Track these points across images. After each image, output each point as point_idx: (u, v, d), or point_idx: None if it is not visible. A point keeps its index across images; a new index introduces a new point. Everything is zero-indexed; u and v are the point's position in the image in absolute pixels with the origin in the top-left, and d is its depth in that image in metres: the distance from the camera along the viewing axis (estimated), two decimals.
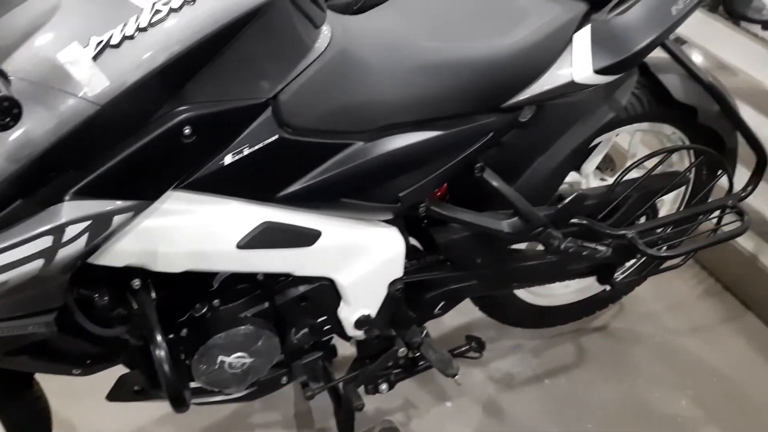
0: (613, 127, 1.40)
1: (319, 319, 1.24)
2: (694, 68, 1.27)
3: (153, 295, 1.07)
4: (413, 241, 1.35)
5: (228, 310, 1.17)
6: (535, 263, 1.41)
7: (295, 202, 1.06)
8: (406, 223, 1.27)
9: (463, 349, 1.44)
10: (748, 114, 1.77)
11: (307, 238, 1.10)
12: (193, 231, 1.00)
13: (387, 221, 1.21)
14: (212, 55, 0.89)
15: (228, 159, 0.96)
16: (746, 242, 1.92)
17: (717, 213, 1.46)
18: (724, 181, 1.53)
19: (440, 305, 1.35)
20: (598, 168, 1.64)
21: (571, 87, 1.12)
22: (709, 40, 1.86)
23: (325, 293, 1.20)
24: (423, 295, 1.33)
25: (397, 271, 1.23)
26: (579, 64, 1.10)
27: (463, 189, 1.34)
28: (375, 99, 1.05)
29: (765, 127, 1.76)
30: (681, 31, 1.90)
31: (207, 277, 1.16)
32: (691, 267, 2.06)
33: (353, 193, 1.09)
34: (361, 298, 1.23)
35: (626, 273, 1.67)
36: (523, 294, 1.66)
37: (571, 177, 1.53)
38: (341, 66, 1.01)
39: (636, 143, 1.55)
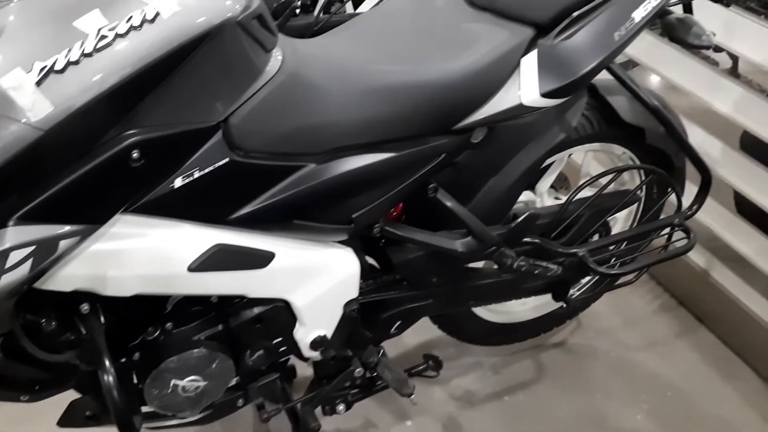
0: (565, 148, 1.44)
1: (275, 341, 1.24)
2: (639, 91, 1.31)
3: (102, 319, 1.06)
4: (372, 261, 1.36)
5: (181, 333, 1.16)
6: (491, 281, 1.42)
7: (248, 224, 1.07)
8: (363, 243, 1.28)
9: (420, 368, 1.45)
10: (697, 134, 1.84)
11: (260, 259, 1.10)
12: (143, 254, 0.99)
13: (342, 242, 1.22)
14: (160, 79, 0.89)
15: (178, 182, 0.96)
16: (697, 258, 1.97)
17: (667, 230, 1.49)
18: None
19: (396, 324, 1.36)
20: (552, 187, 1.68)
21: (519, 110, 1.15)
22: (660, 62, 1.92)
23: (279, 315, 1.20)
24: (379, 314, 1.33)
25: (352, 291, 1.24)
26: (526, 87, 1.13)
27: (419, 209, 1.36)
28: (326, 121, 1.06)
29: (713, 146, 1.82)
30: (634, 53, 1.98)
31: (160, 299, 1.16)
32: (647, 282, 2.11)
33: (306, 215, 1.10)
34: (317, 319, 1.23)
35: (581, 290, 1.70)
36: (481, 312, 1.68)
37: (526, 196, 1.56)
38: (292, 89, 1.02)
39: (588, 162, 1.59)
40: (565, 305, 1.54)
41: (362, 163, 1.09)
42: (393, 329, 1.36)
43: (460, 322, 1.66)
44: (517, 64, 1.14)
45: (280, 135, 1.02)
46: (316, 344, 1.25)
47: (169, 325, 1.14)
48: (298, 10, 2.12)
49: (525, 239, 1.34)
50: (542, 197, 1.57)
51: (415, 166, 1.15)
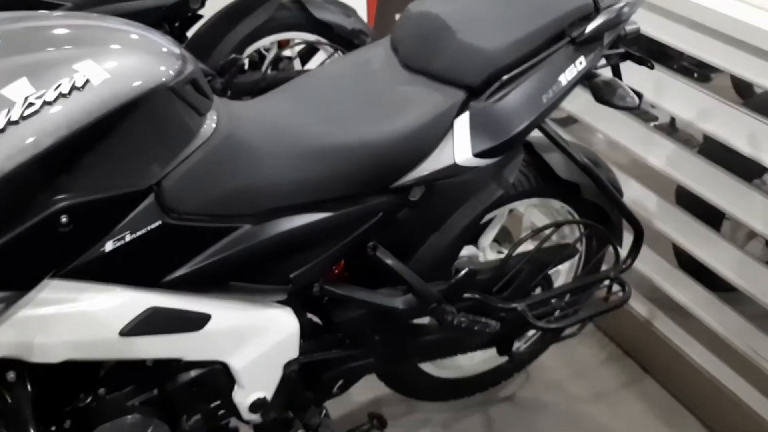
0: (503, 203, 1.47)
1: (213, 404, 1.21)
2: (570, 149, 1.36)
3: (29, 387, 1.02)
4: (316, 318, 1.36)
5: (114, 399, 1.13)
6: (434, 338, 1.43)
7: (182, 287, 1.06)
8: (305, 301, 1.28)
9: (364, 427, 1.43)
10: (634, 188, 1.90)
11: (195, 322, 1.09)
12: (72, 320, 0.97)
13: (282, 301, 1.21)
14: (90, 145, 0.89)
15: (109, 246, 0.95)
16: (640, 308, 2.01)
17: (606, 283, 1.53)
18: None
19: (339, 384, 1.35)
20: (496, 240, 1.70)
21: (454, 169, 1.18)
22: (598, 119, 1.99)
23: (217, 377, 1.18)
24: (321, 374, 1.32)
25: (292, 351, 1.23)
26: (459, 147, 1.17)
27: (361, 266, 1.37)
28: (262, 183, 1.07)
29: (651, 200, 1.89)
30: (573, 109, 2.05)
31: (92, 365, 1.13)
32: (594, 333, 2.13)
33: (242, 276, 1.09)
34: (256, 381, 1.21)
35: (527, 343, 1.72)
36: (428, 367, 1.68)
37: (469, 250, 1.58)
38: (227, 151, 1.03)
39: (529, 217, 1.63)
40: (509, 359, 1.55)
41: (299, 224, 1.10)
42: (335, 389, 1.35)
43: (407, 378, 1.65)
44: (451, 125, 1.17)
45: (215, 197, 1.03)
46: (255, 407, 1.23)
47: (101, 390, 1.11)
48: (245, 67, 2.17)
49: (465, 295, 1.35)
50: (485, 251, 1.60)
51: (352, 225, 1.16)
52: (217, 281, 1.08)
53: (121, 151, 0.93)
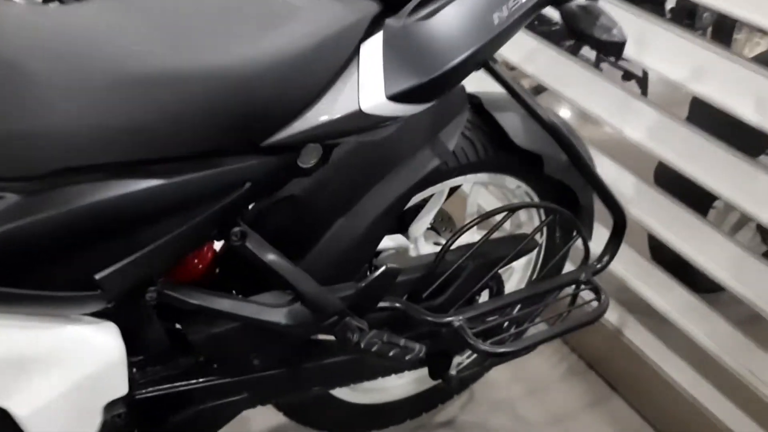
0: (440, 179, 1.09)
1: None
2: (533, 104, 0.98)
3: None
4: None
5: None
6: (341, 360, 1.04)
7: None
8: (143, 312, 0.88)
9: None
10: (607, 167, 1.54)
11: None
12: None
13: (100, 314, 0.81)
14: None
15: None
16: (608, 313, 1.64)
17: (569, 290, 1.16)
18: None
19: (199, 429, 0.95)
20: (433, 229, 1.32)
21: (359, 120, 0.78)
22: (570, 86, 1.61)
23: None
24: (172, 415, 0.92)
25: (117, 387, 0.83)
26: (367, 86, 0.77)
27: (239, 263, 0.98)
28: (43, 129, 0.66)
29: (622, 180, 1.53)
30: (540, 76, 1.67)
31: None
32: (552, 343, 1.78)
33: (9, 277, 0.68)
34: None
35: (469, 359, 1.34)
36: (340, 392, 1.29)
37: (396, 241, 1.20)
38: None
39: (474, 200, 1.25)
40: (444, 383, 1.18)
41: (106, 195, 0.69)
42: None
43: (312, 406, 1.26)
44: (355, 52, 0.78)
45: None
46: None
47: None
48: None
49: (382, 304, 0.96)
50: (417, 243, 1.21)
51: (199, 201, 0.75)
52: None
53: None
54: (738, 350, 1.40)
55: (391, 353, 0.89)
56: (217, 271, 0.99)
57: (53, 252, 0.69)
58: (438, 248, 1.23)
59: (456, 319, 0.99)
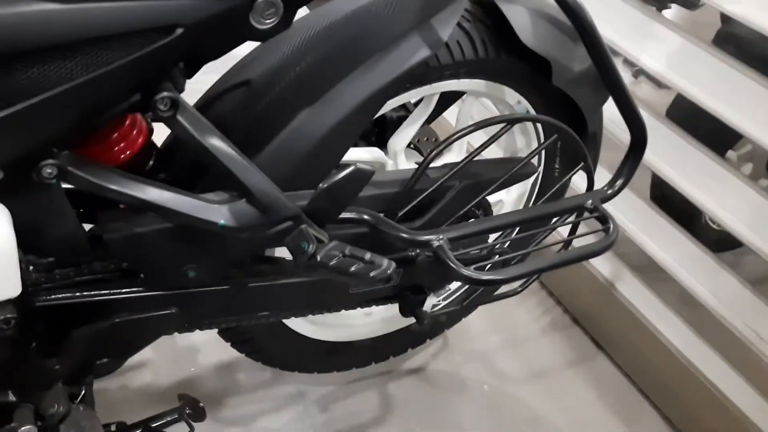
0: (430, 78, 0.92)
1: None
2: None
3: None
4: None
5: None
6: (298, 281, 0.87)
7: None
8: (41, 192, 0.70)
9: (168, 418, 0.87)
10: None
11: None
12: None
13: None
14: None
15: None
16: (599, 263, 1.51)
17: (571, 219, 0.99)
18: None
19: (111, 349, 0.78)
20: (416, 148, 1.16)
21: None
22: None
23: None
24: (76, 330, 0.75)
25: (5, 285, 0.65)
26: None
27: (180, 150, 0.81)
28: None
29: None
30: None
31: None
32: (536, 292, 1.64)
33: None
34: None
35: (445, 300, 1.18)
36: (299, 324, 1.13)
37: (373, 154, 1.02)
38: None
39: (467, 113, 1.07)
40: (416, 321, 1.02)
41: None
42: (104, 357, 0.78)
43: (265, 337, 1.10)
44: None
45: None
46: None
47: None
48: None
49: (346, 214, 0.79)
50: (397, 158, 1.04)
51: (111, 43, 0.57)
52: None
53: None
54: (744, 310, 1.26)
55: (353, 269, 0.72)
56: (151, 164, 0.81)
57: None
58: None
59: (436, 238, 0.82)
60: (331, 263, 0.72)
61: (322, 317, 1.17)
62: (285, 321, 1.08)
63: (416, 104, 1.04)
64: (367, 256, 0.73)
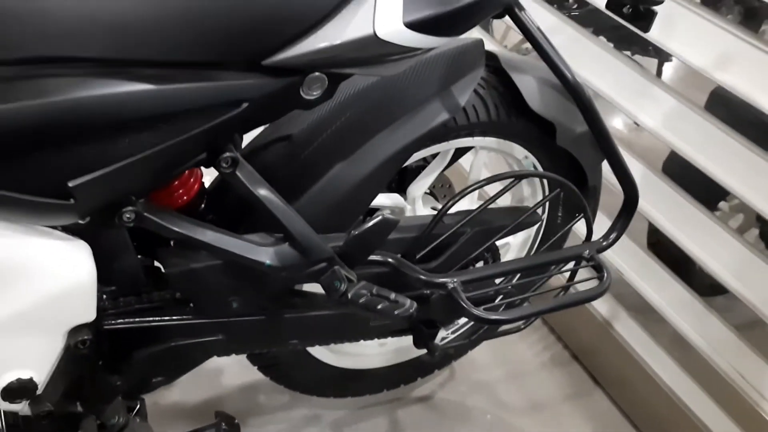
0: (448, 136, 1.03)
1: None
2: (557, 59, 0.92)
3: None
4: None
5: None
6: (325, 314, 0.98)
7: None
8: (117, 234, 0.82)
9: None
10: None
11: None
12: None
13: (69, 229, 0.75)
14: None
15: None
16: (600, 305, 1.61)
17: (570, 266, 1.10)
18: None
19: (166, 368, 0.89)
20: (432, 194, 1.27)
21: (372, 46, 0.72)
22: (578, 61, 1.55)
23: None
24: (137, 350, 0.86)
25: (83, 311, 0.77)
26: (384, 10, 0.70)
27: (227, 197, 0.92)
28: (21, 8, 0.59)
29: (632, 166, 1.47)
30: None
31: None
32: (538, 329, 1.74)
33: None
34: (13, 352, 0.75)
35: (454, 334, 1.29)
36: (320, 352, 1.24)
37: (393, 200, 1.14)
38: None
39: (479, 165, 1.19)
40: (428, 352, 1.12)
41: (86, 93, 0.63)
42: (159, 375, 0.89)
43: (289, 364, 1.20)
44: None
45: None
46: (13, 393, 0.76)
47: None
48: None
49: (373, 257, 0.91)
50: (415, 204, 1.16)
51: (190, 116, 0.69)
52: None
53: None
54: (731, 353, 1.36)
55: (379, 306, 0.83)
56: (203, 206, 0.93)
57: (26, 148, 0.63)
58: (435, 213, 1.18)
59: (451, 281, 0.93)
60: (361, 301, 0.83)
61: (341, 346, 1.27)
62: (308, 348, 1.19)
63: (433, 156, 1.15)
64: (392, 296, 0.84)
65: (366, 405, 1.44)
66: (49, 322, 0.75)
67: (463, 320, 1.34)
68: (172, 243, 0.90)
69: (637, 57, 2.25)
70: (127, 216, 0.74)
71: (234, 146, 0.78)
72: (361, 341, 1.14)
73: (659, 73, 2.11)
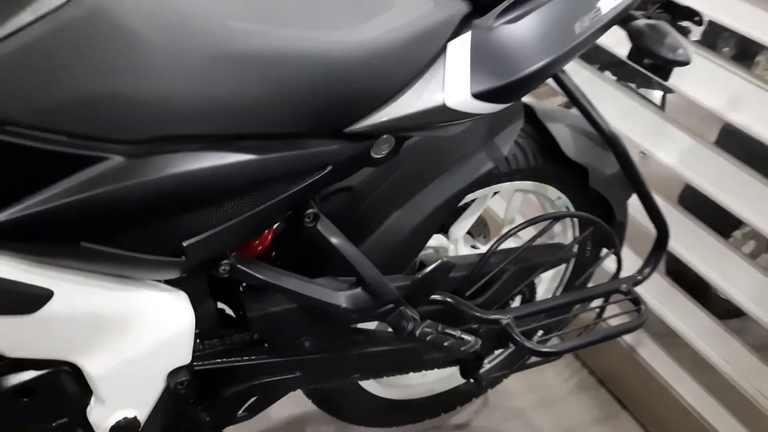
0: (491, 182, 1.13)
1: (57, 422, 0.82)
2: (595, 114, 1.02)
3: None
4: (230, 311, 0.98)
5: None
6: (385, 349, 1.07)
7: (7, 243, 0.67)
8: (207, 285, 0.90)
9: None
10: None
11: (27, 300, 0.70)
12: None
13: (171, 282, 0.83)
14: None
15: None
16: None
17: (601, 301, 1.19)
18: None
19: (249, 403, 0.97)
20: (469, 233, 1.36)
21: (441, 114, 0.81)
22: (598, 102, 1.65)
23: (62, 385, 0.79)
24: (224, 389, 0.95)
25: (182, 355, 0.85)
26: (453, 83, 0.80)
27: (296, 244, 1.00)
28: (148, 94, 0.68)
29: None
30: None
31: None
32: (565, 356, 1.81)
33: (103, 236, 0.71)
34: (122, 394, 0.83)
35: (493, 364, 1.37)
36: (369, 385, 1.31)
37: (437, 240, 1.23)
38: (92, 32, 0.64)
39: (515, 207, 1.28)
40: (475, 382, 1.20)
41: (200, 166, 0.72)
42: (243, 410, 0.97)
43: (342, 396, 1.28)
44: (443, 49, 0.81)
45: (65, 103, 0.64)
46: (119, 430, 0.84)
47: None
48: None
49: (434, 297, 0.99)
50: (457, 244, 1.25)
51: (284, 180, 0.78)
52: (63, 239, 0.69)
53: None
54: (754, 374, 1.44)
55: (446, 344, 0.92)
56: (273, 254, 1.02)
57: (148, 215, 0.72)
58: (474, 251, 1.27)
59: (504, 317, 1.02)
60: (428, 338, 0.92)
61: (388, 378, 1.35)
62: (360, 382, 1.27)
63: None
64: (458, 333, 0.93)
65: None
66: (155, 365, 0.83)
67: (498, 351, 1.42)
68: (241, 288, 0.99)
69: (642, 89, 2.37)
70: (223, 268, 0.83)
71: (315, 203, 0.87)
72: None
73: (663, 105, 2.21)
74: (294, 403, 1.32)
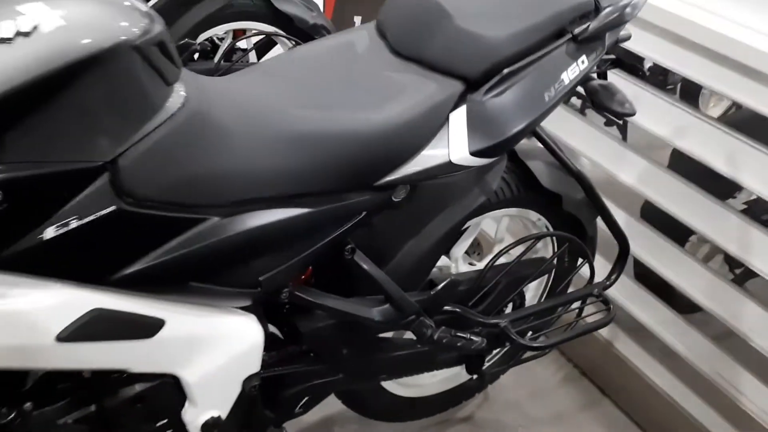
0: (484, 211, 1.38)
1: (159, 423, 1.05)
2: (564, 156, 1.28)
3: None
4: (272, 329, 1.21)
5: (43, 415, 0.95)
6: (405, 353, 1.31)
7: (134, 286, 0.90)
8: (269, 309, 1.14)
9: None
10: None
11: (147, 327, 0.93)
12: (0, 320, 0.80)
13: (243, 308, 1.07)
14: (36, 105, 0.74)
15: (50, 233, 0.79)
16: (602, 329, 1.95)
17: (578, 302, 1.45)
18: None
19: (303, 402, 1.21)
20: (466, 252, 1.61)
21: (447, 168, 1.07)
22: (568, 134, 1.92)
23: (166, 393, 1.02)
24: (283, 391, 1.18)
25: (254, 365, 1.08)
26: (455, 144, 1.06)
27: (329, 272, 1.24)
28: (234, 169, 0.92)
29: (618, 215, 1.83)
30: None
31: (18, 374, 0.95)
32: (552, 353, 2.06)
33: (205, 276, 0.94)
34: (211, 398, 1.06)
35: (493, 361, 1.62)
36: (388, 385, 1.55)
37: (442, 261, 1.47)
38: (196, 130, 0.88)
39: (503, 228, 1.54)
40: (476, 377, 1.45)
41: (272, 219, 0.96)
42: (298, 408, 1.21)
43: (366, 396, 1.52)
44: (446, 119, 1.07)
45: (179, 182, 0.88)
46: (208, 427, 1.07)
47: (28, 405, 0.93)
48: (196, 55, 1.99)
49: (445, 307, 1.24)
50: (457, 263, 1.49)
51: (332, 225, 1.03)
52: (175, 281, 0.92)
53: (71, 117, 0.77)
54: (713, 360, 1.69)
55: (459, 344, 1.16)
56: (313, 280, 1.26)
57: (236, 258, 0.96)
58: (471, 268, 1.52)
59: (502, 321, 1.27)
60: (444, 341, 1.17)
61: (403, 379, 1.59)
62: (381, 383, 1.51)
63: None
64: (467, 335, 1.17)
65: (422, 427, 1.74)
66: (235, 374, 1.07)
67: (495, 350, 1.67)
68: (285, 308, 1.23)
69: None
70: (284, 295, 1.07)
71: (349, 239, 1.11)
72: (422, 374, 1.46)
73: (625, 136, 2.51)
74: (323, 404, 1.56)
